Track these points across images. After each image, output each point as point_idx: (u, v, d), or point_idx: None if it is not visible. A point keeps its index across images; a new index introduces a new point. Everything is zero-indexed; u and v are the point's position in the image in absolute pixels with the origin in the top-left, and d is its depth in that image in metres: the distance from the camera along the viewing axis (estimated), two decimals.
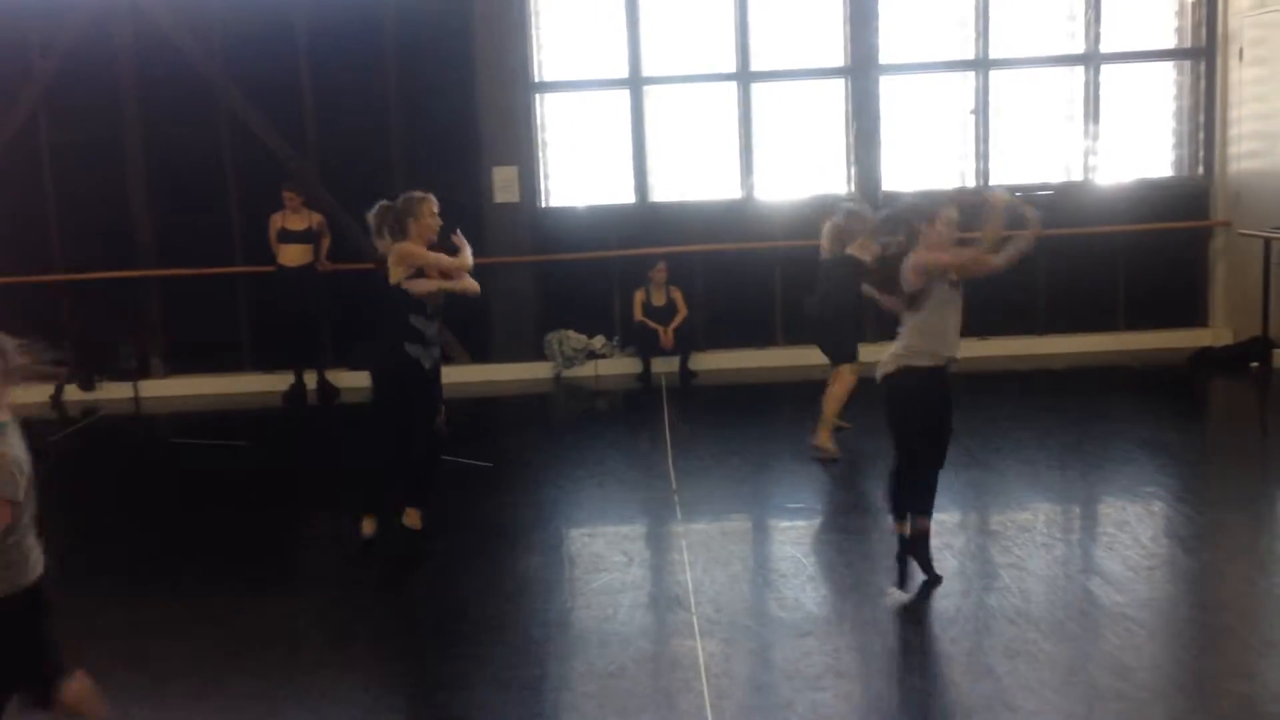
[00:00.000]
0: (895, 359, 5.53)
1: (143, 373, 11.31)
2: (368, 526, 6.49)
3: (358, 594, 6.01)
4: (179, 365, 11.43)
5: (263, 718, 4.70)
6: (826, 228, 8.29)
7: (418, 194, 6.29)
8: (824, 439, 8.02)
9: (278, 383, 10.96)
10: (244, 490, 8.12)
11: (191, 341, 11.36)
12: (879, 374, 5.61)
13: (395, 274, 6.16)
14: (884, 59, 11.20)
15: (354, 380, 11.16)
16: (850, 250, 7.88)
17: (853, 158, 11.31)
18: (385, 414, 6.36)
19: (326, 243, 10.77)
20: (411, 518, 6.42)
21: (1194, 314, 11.48)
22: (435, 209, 6.28)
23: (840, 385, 8.04)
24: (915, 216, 5.53)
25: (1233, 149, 11.11)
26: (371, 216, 6.37)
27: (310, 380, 10.88)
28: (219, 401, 10.90)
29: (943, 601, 5.49)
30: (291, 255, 10.62)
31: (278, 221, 10.63)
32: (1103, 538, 6.32)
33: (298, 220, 10.62)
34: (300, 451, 9.45)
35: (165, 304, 11.37)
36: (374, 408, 6.52)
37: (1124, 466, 7.66)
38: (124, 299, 11.28)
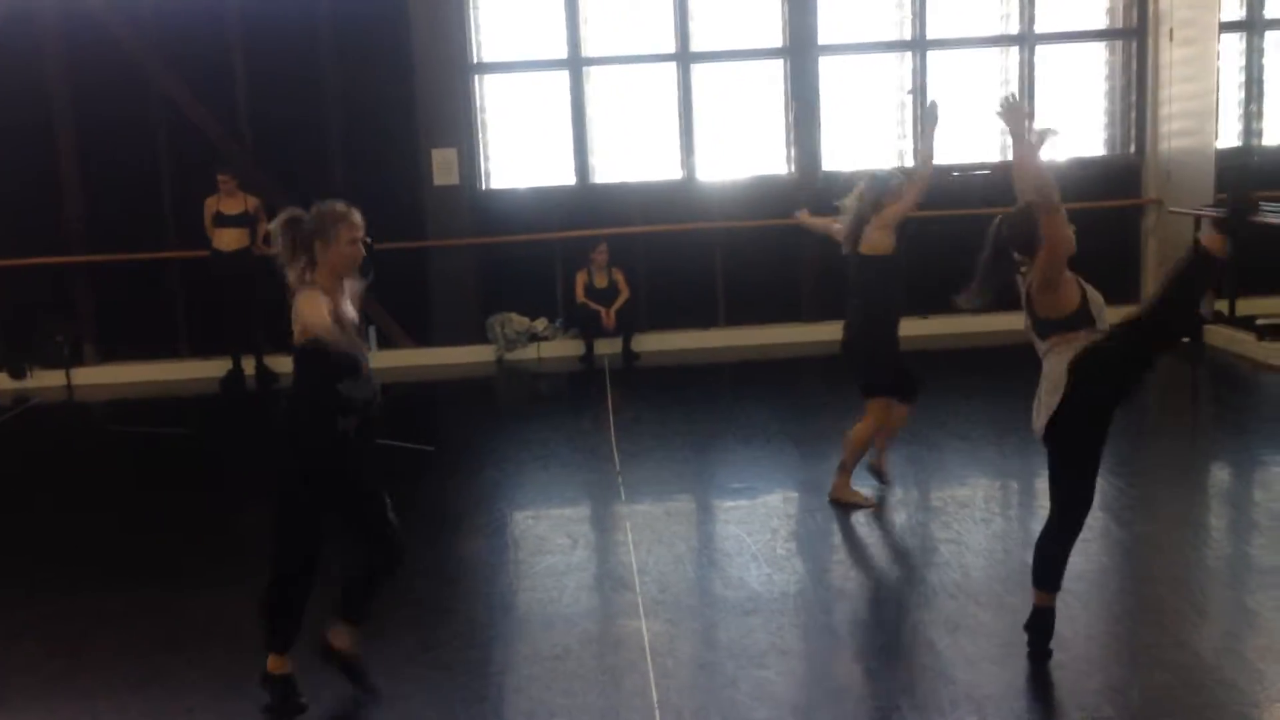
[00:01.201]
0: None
1: (75, 360, 11.10)
2: (277, 664, 4.57)
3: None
4: (113, 352, 11.23)
5: (203, 707, 4.65)
6: (852, 204, 6.57)
7: (337, 207, 4.46)
8: (845, 489, 6.59)
9: (215, 369, 10.82)
10: (183, 478, 8.01)
11: (125, 328, 11.17)
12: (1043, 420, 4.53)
13: (297, 332, 4.30)
14: (822, 39, 11.25)
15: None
16: (871, 234, 6.40)
17: (792, 138, 11.36)
18: (308, 518, 4.43)
19: (264, 226, 10.54)
20: (341, 638, 4.58)
21: (1127, 290, 11.66)
22: (357, 233, 4.48)
23: (869, 422, 6.52)
24: (1028, 230, 4.59)
25: (1164, 128, 11.30)
26: (277, 232, 4.41)
27: (248, 366, 10.75)
28: (155, 388, 10.73)
29: (884, 577, 5.56)
30: (227, 239, 10.46)
31: (212, 205, 10.47)
32: (1039, 512, 6.37)
33: (233, 204, 10.46)
34: (240, 438, 9.33)
35: (97, 290, 11.17)
36: (292, 512, 4.44)
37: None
38: (55, 285, 11.06)
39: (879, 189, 6.40)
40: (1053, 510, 4.64)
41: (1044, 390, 4.53)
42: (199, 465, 8.36)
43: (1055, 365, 4.50)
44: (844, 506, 6.50)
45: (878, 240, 6.38)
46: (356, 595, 4.57)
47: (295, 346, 4.33)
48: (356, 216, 4.49)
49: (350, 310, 4.52)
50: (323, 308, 4.21)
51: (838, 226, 6.63)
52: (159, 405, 10.16)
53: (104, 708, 4.68)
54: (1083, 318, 4.51)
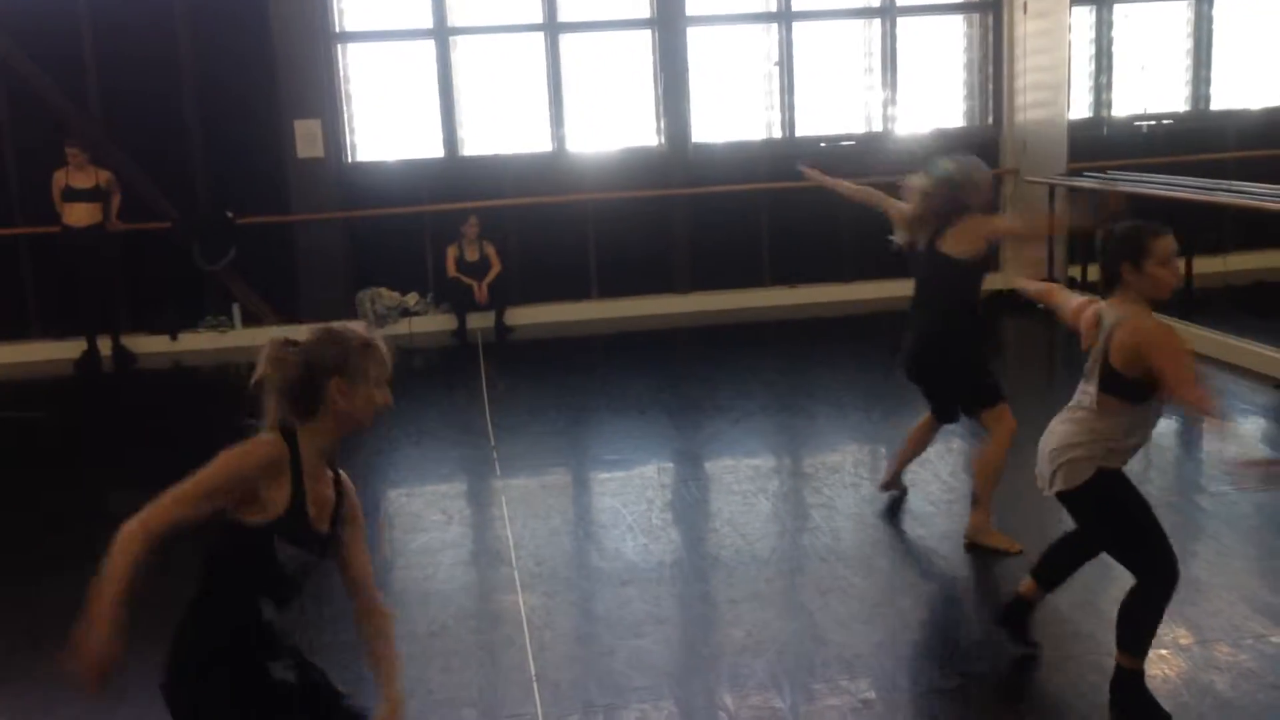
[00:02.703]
0: (1090, 460, 3.98)
1: None
2: None
3: (160, 570, 5.77)
4: None
5: (63, 701, 4.48)
6: (917, 191, 5.55)
7: (362, 335, 2.93)
8: (985, 528, 5.49)
9: (70, 350, 10.40)
10: (38, 463, 7.69)
11: None
12: (1060, 484, 4.04)
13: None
14: (690, 10, 11.28)
15: (151, 345, 10.72)
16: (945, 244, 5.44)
17: (661, 109, 11.38)
18: None
19: (117, 200, 10.21)
20: None
21: (987, 259, 12.00)
22: (386, 374, 2.93)
23: (998, 441, 5.49)
24: (1123, 252, 4.00)
25: (1019, 100, 11.64)
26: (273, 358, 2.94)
27: (105, 346, 10.36)
28: (4, 371, 10.27)
29: (758, 544, 5.64)
30: (78, 214, 10.02)
31: (61, 179, 10.02)
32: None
33: (83, 178, 10.02)
34: (98, 421, 9.00)
35: None
36: None
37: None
38: None
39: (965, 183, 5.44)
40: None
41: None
42: (55, 449, 8.03)
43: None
44: (984, 549, 5.40)
45: (969, 243, 5.44)
46: None
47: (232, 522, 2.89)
48: (384, 350, 2.96)
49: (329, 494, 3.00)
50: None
51: (903, 207, 5.63)
52: (10, 388, 9.73)
53: None
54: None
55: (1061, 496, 4.06)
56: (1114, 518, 4.02)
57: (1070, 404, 4.11)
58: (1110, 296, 4.00)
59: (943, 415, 5.89)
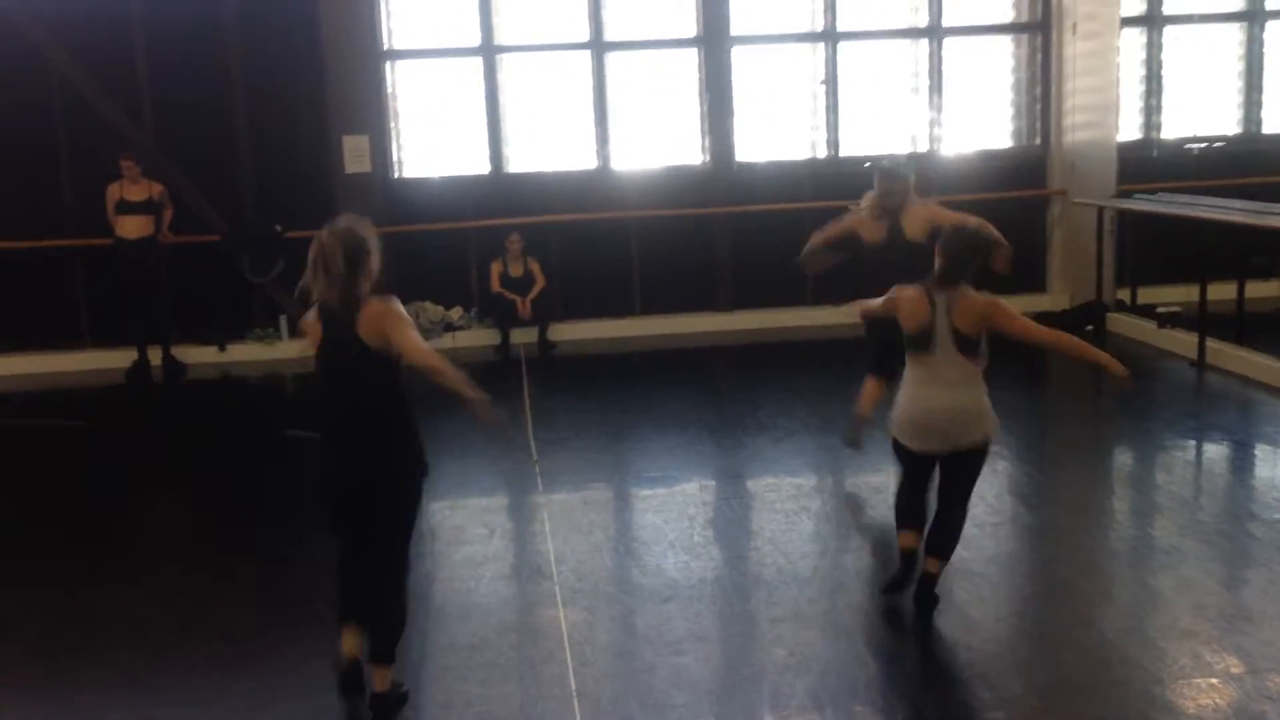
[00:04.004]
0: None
1: None
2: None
3: (206, 576, 5.84)
4: (11, 342, 10.88)
5: (108, 705, 4.53)
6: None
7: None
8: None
9: (120, 359, 10.54)
10: (86, 471, 7.79)
11: (25, 317, 10.84)
12: (995, 426, 4.97)
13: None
14: (736, 30, 11.30)
15: (200, 356, 10.85)
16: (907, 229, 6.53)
17: (706, 128, 11.39)
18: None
19: (169, 214, 10.37)
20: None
21: (1033, 280, 11.93)
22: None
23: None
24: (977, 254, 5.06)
25: (1067, 120, 11.56)
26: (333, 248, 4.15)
27: (155, 356, 10.49)
28: (56, 380, 10.43)
29: (800, 563, 5.60)
30: (131, 227, 10.19)
31: (115, 192, 10.18)
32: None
33: (136, 190, 10.18)
34: (145, 430, 9.11)
35: None
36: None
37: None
38: None
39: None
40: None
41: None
42: (103, 458, 8.14)
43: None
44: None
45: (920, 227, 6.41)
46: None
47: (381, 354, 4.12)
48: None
49: None
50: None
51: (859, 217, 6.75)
52: (61, 397, 9.87)
53: (5, 708, 4.53)
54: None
55: (973, 449, 4.92)
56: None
57: (938, 380, 4.85)
58: (950, 287, 4.83)
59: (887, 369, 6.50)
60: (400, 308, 4.19)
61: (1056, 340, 4.88)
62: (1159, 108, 11.90)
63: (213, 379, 10.56)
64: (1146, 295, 10.71)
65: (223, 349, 10.97)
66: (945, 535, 5.01)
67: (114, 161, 10.10)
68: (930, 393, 4.87)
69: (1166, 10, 11.79)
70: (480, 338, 11.13)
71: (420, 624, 5.11)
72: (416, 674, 4.66)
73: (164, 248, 10.36)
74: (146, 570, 5.97)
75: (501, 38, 11.20)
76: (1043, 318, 11.04)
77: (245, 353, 10.96)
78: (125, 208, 10.17)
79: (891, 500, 6.36)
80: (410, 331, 4.15)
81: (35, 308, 10.86)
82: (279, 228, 10.70)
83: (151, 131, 10.75)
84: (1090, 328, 10.69)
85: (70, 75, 10.52)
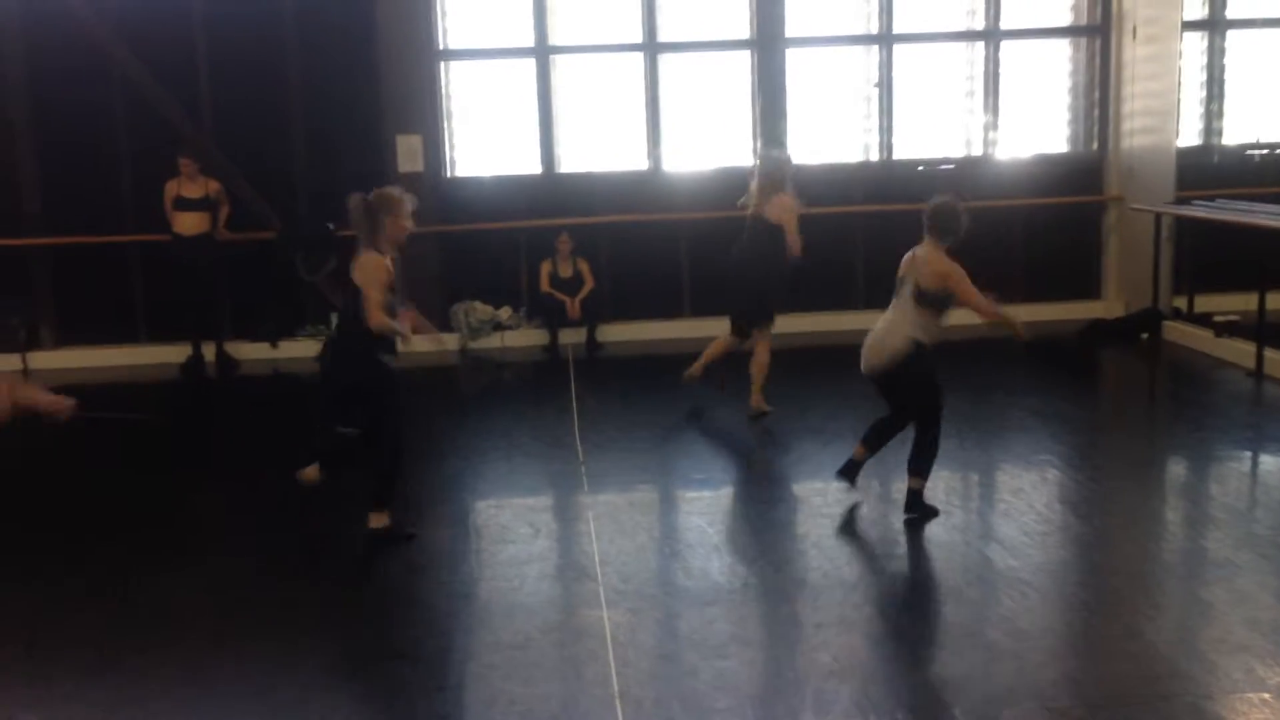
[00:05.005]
0: (911, 340, 6.01)
1: (32, 344, 10.94)
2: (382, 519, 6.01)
3: (255, 569, 5.91)
4: (70, 336, 11.09)
5: (155, 695, 4.60)
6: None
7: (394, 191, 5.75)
8: (760, 405, 8.33)
9: (175, 354, 10.70)
10: (141, 464, 7.91)
11: (83, 312, 11.03)
12: (891, 355, 6.01)
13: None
14: (790, 32, 11.26)
15: (254, 352, 11.00)
16: (768, 211, 8.08)
17: (759, 130, 11.36)
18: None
19: (225, 211, 10.52)
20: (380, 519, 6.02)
21: (1088, 286, 11.78)
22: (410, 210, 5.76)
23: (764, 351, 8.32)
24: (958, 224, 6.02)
25: (1126, 125, 11.40)
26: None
27: (209, 352, 10.64)
28: (113, 373, 10.60)
29: (845, 568, 5.57)
30: (187, 223, 10.34)
31: (173, 189, 10.35)
32: (999, 505, 6.48)
33: (194, 188, 10.34)
34: (200, 424, 9.24)
35: (55, 273, 11.01)
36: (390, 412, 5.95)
37: (1019, 435, 7.85)
38: (11, 268, 10.89)
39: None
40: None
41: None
42: (158, 451, 8.26)
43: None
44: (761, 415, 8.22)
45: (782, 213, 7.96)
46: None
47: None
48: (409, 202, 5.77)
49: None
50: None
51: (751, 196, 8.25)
52: (117, 390, 10.03)
53: (57, 695, 4.62)
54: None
55: (885, 373, 6.13)
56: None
57: (883, 316, 6.16)
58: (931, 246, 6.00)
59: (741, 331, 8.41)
60: (376, 264, 5.57)
61: (977, 305, 5.92)
62: (1220, 113, 11.69)
63: (265, 375, 10.68)
64: (1204, 303, 10.54)
65: (275, 345, 11.10)
66: (914, 455, 6.08)
67: (173, 160, 10.26)
68: (873, 326, 6.12)
69: (1229, 14, 11.60)
70: (529, 337, 11.18)
71: (464, 621, 5.15)
72: (460, 671, 4.69)
73: (219, 244, 10.51)
74: (194, 561, 6.06)
75: (555, 38, 11.24)
76: (1097, 325, 10.94)
77: (297, 349, 11.08)
78: (182, 204, 10.32)
79: (942, 507, 6.35)
80: (371, 291, 5.52)
81: (95, 302, 11.05)
82: (332, 226, 10.80)
83: (210, 130, 10.91)
84: (1146, 335, 10.54)
85: (132, 74, 10.69)
